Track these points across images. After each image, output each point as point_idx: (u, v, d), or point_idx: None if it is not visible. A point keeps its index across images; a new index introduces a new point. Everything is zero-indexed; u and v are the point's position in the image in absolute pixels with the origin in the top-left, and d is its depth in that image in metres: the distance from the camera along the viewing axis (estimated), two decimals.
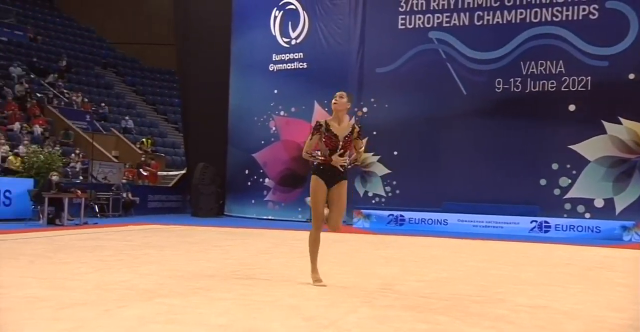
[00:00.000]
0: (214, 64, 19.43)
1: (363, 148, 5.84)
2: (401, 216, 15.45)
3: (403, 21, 16.61)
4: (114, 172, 17.90)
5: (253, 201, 18.02)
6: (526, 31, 15.33)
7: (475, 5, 16.10)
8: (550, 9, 15.23)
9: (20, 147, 16.06)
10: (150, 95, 27.35)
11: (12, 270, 5.90)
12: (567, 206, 14.56)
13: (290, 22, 17.69)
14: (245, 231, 12.83)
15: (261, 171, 17.93)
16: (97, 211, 15.20)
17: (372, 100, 16.63)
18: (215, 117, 19.25)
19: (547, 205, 14.68)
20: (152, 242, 9.30)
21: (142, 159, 20.24)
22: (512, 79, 15.37)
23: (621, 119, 14.34)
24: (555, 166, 14.76)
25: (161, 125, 25.29)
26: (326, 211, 5.57)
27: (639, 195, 14.09)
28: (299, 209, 17.25)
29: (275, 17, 17.94)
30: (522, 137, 15.12)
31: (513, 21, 15.55)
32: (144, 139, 21.80)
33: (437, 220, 15.24)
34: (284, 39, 17.80)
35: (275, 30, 17.94)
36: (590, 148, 14.54)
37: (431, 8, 16.47)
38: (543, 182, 14.80)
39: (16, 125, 18.00)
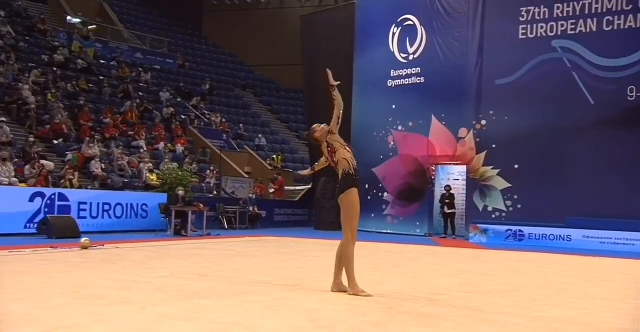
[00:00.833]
0: (338, 81, 19.95)
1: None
2: (520, 230, 14.86)
3: (524, 31, 16.08)
4: (244, 187, 18.95)
5: (372, 215, 18.20)
6: None
7: (604, 10, 15.22)
8: None
9: (161, 164, 17.58)
10: (284, 114, 28.59)
11: (99, 272, 6.63)
12: None
13: (407, 38, 17.79)
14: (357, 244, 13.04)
15: (380, 185, 18.10)
16: (224, 223, 16.20)
17: (491, 112, 16.21)
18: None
19: None
20: (246, 252, 9.84)
21: (275, 175, 21.23)
22: None
23: None
24: None
25: (292, 142, 26.32)
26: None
27: None
28: (417, 223, 17.18)
29: (394, 33, 18.14)
30: None
31: None
32: (274, 156, 22.84)
33: (559, 235, 14.46)
34: (401, 54, 17.93)
35: (394, 47, 18.12)
36: None
37: (554, 15, 15.81)
38: None
39: (161, 145, 19.71)
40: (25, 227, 11.52)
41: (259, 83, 30.82)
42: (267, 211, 18.53)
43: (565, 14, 15.69)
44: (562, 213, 14.68)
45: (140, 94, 22.89)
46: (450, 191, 16.52)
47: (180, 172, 15.22)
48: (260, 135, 24.58)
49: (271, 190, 20.08)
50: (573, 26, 15.62)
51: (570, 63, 15.39)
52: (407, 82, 17.74)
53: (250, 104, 28.18)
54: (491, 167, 16.09)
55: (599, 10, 15.23)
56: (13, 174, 13.36)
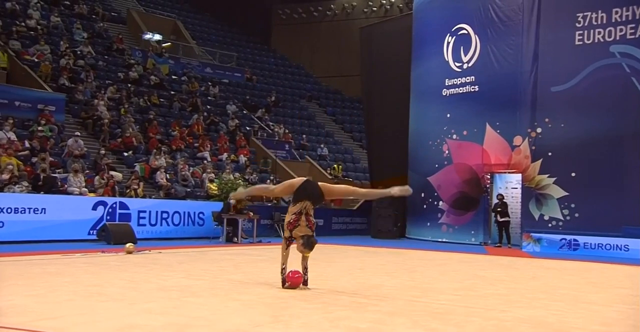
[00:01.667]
0: (395, 92, 20.21)
1: None
2: (575, 240, 14.47)
3: (580, 37, 15.72)
4: None
5: (428, 224, 18.20)
6: None
7: None
8: None
9: (223, 175, 18.28)
10: (348, 124, 28.92)
11: (122, 274, 7.17)
12: None
13: (462, 47, 17.74)
14: (392, 251, 13.29)
15: (435, 193, 18.07)
16: (279, 231, 16.63)
17: (547, 120, 15.90)
18: (396, 142, 19.93)
19: None
20: (277, 257, 10.18)
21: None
22: None
23: None
24: None
25: (355, 151, 26.58)
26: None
27: None
28: (472, 232, 17.04)
29: (448, 43, 18.13)
30: None
31: None
32: (335, 165, 23.18)
33: (616, 245, 13.98)
34: (456, 63, 17.89)
35: (448, 56, 18.11)
36: None
37: (612, 20, 15.38)
38: None
39: (224, 156, 20.48)
40: (88, 233, 12.39)
41: (325, 94, 31.33)
42: (324, 220, 18.85)
43: (624, 19, 15.24)
44: (620, 222, 14.21)
45: (208, 107, 23.85)
46: (503, 200, 16.29)
47: (235, 182, 15.81)
48: (322, 146, 25.02)
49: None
50: (633, 31, 15.14)
51: (630, 68, 14.93)
52: (461, 91, 17.67)
53: (315, 115, 28.71)
54: (547, 175, 15.77)
55: None
56: (84, 184, 14.34)
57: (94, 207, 12.68)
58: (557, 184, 15.57)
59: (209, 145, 20.44)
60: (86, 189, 14.20)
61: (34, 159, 14.53)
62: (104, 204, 12.86)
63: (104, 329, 4.06)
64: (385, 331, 4.38)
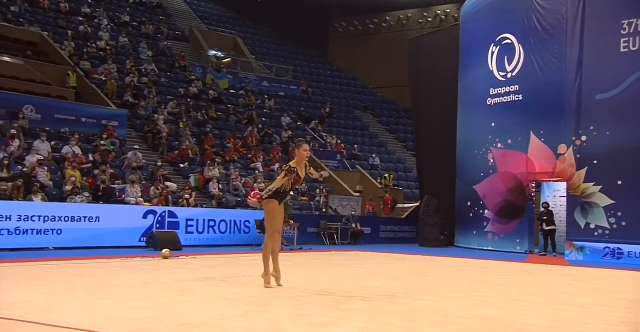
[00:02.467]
0: (443, 102, 20.27)
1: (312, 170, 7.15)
2: (619, 249, 14.16)
3: (626, 44, 15.38)
4: (352, 205, 19.71)
5: (475, 232, 18.13)
6: None
7: None
8: None
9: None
10: (402, 133, 29.04)
11: (143, 276, 7.75)
12: None
13: (506, 57, 17.66)
14: (423, 258, 13.46)
15: (481, 202, 18.00)
16: (324, 239, 17.05)
17: (592, 128, 15.61)
18: (445, 152, 19.97)
19: None
20: (304, 264, 10.64)
21: (384, 193, 21.82)
22: None
23: None
24: None
25: (408, 161, 26.65)
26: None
27: None
28: (517, 240, 16.87)
29: (493, 53, 18.08)
30: None
31: None
32: (386, 175, 23.37)
33: None
34: (500, 73, 17.82)
35: (493, 66, 18.06)
36: None
37: None
38: None
39: (276, 166, 21.09)
40: (139, 240, 13.17)
41: (379, 105, 31.59)
42: (372, 228, 19.11)
43: None
44: None
45: (264, 119, 24.58)
46: (549, 208, 16.08)
47: None
48: (374, 155, 25.27)
49: (371, 208, 20.66)
50: None
51: None
52: (505, 100, 17.58)
53: (369, 125, 29.01)
54: (593, 183, 15.46)
55: None
56: (140, 194, 15.20)
57: (145, 216, 13.47)
58: (603, 192, 15.23)
59: (261, 156, 21.10)
60: (142, 199, 15.04)
61: (96, 171, 15.51)
62: (154, 213, 13.64)
63: (85, 321, 4.54)
64: (338, 324, 4.71)
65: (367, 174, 23.32)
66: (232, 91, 26.28)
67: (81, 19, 25.77)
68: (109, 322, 4.49)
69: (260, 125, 23.64)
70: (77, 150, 16.17)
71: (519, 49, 17.36)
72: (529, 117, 16.78)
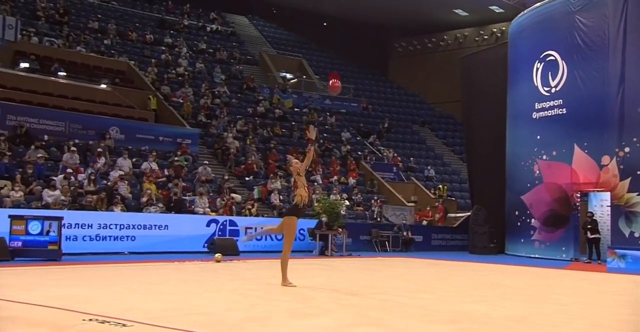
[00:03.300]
0: (493, 116, 20.20)
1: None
2: None
3: None
4: (405, 215, 19.91)
5: (522, 240, 17.96)
6: None
7: None
8: None
9: (331, 196, 19.37)
10: (458, 146, 28.86)
11: (182, 276, 8.47)
12: None
13: (550, 72, 17.51)
14: (460, 264, 13.58)
15: (528, 211, 17.82)
16: (375, 246, 17.34)
17: (635, 140, 15.25)
18: (495, 163, 19.88)
19: None
20: (340, 267, 11.12)
21: (438, 203, 21.88)
22: None
23: None
24: None
25: (464, 172, 26.43)
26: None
27: None
28: (563, 248, 16.59)
29: (537, 69, 17.96)
30: None
31: None
32: (440, 186, 23.40)
33: None
34: (544, 88, 17.67)
35: (537, 81, 17.93)
36: None
37: None
38: None
39: (334, 178, 21.60)
40: (203, 246, 13.95)
41: (437, 119, 31.56)
42: (423, 236, 19.23)
43: None
44: None
45: (325, 135, 25.16)
46: (593, 217, 15.77)
47: (336, 203, 16.77)
48: (429, 167, 25.31)
49: (424, 220, 20.79)
50: None
51: None
52: (550, 114, 17.40)
53: (426, 139, 29.05)
54: (636, 193, 15.08)
55: None
56: (207, 205, 16.06)
57: (208, 224, 14.28)
58: None
59: (321, 169, 21.65)
60: (209, 209, 15.88)
61: (170, 185, 16.50)
62: (216, 221, 14.43)
63: (115, 310, 5.17)
64: (324, 315, 5.19)
65: (421, 185, 23.43)
66: (296, 109, 27.05)
67: (163, 48, 27.29)
68: (132, 311, 5.14)
69: (321, 140, 24.23)
70: (154, 166, 17.24)
71: (562, 64, 17.17)
72: (573, 129, 16.57)
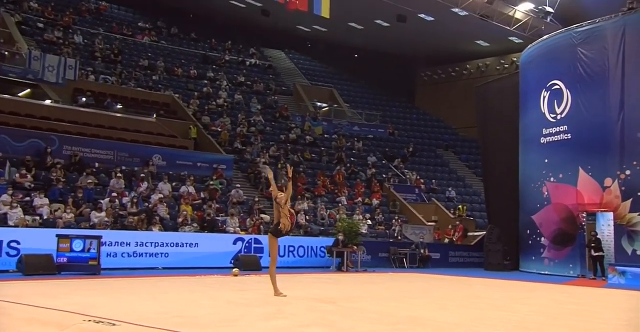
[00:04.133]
0: (506, 141, 20.45)
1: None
2: None
3: None
4: (423, 233, 20.24)
5: (533, 258, 18.06)
6: None
7: None
8: None
9: (354, 215, 19.91)
10: (480, 168, 28.85)
11: (200, 288, 9.14)
12: None
13: (555, 100, 17.78)
14: (461, 279, 13.90)
15: (538, 230, 17.95)
16: (392, 263, 17.72)
17: (635, 163, 15.38)
18: (509, 185, 20.06)
19: None
20: (347, 281, 11.67)
21: (457, 222, 22.11)
22: None
23: None
24: None
25: (483, 193, 26.50)
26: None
27: None
28: (570, 265, 16.63)
29: (544, 97, 18.23)
30: None
31: None
32: (460, 206, 23.60)
33: None
34: (550, 115, 17.91)
35: (544, 108, 18.18)
36: None
37: None
38: None
39: (358, 199, 22.12)
40: (229, 262, 14.66)
41: (460, 143, 31.75)
42: (441, 254, 19.49)
43: None
44: None
45: (352, 159, 25.78)
46: (597, 236, 15.83)
47: (356, 223, 17.31)
48: (450, 189, 25.54)
49: (446, 238, 21.03)
50: None
51: None
52: (556, 139, 17.61)
53: (449, 162, 29.29)
54: (638, 213, 15.12)
55: None
56: (238, 225, 16.85)
57: (234, 242, 15.03)
58: None
59: (346, 191, 22.23)
60: (239, 229, 16.65)
61: (205, 206, 17.38)
62: (242, 240, 15.18)
63: (116, 313, 5.85)
64: (287, 318, 5.75)
65: (441, 206, 23.68)
66: (325, 135, 27.79)
67: (205, 81, 28.60)
68: (129, 314, 5.86)
69: (348, 164, 24.84)
70: (191, 189, 18.19)
71: (566, 93, 17.43)
72: (577, 153, 16.76)
